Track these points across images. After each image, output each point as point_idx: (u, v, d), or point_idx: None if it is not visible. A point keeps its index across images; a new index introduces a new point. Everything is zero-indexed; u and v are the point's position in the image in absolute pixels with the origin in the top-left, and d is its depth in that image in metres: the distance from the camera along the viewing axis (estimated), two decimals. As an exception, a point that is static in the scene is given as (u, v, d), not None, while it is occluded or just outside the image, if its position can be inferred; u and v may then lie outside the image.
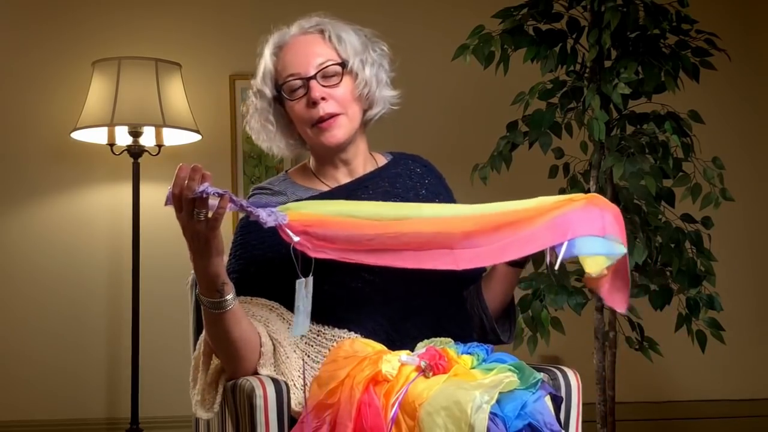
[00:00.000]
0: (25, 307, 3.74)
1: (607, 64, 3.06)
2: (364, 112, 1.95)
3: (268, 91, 1.93)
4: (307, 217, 1.67)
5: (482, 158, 3.09)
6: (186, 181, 1.56)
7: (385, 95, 1.97)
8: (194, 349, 2.16)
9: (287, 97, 1.90)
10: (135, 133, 3.55)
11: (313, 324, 1.81)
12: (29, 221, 3.78)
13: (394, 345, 1.78)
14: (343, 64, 1.90)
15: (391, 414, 1.59)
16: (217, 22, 3.93)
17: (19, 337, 3.73)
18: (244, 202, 1.62)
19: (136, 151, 3.57)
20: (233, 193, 3.94)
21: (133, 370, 3.54)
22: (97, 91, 3.51)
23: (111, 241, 3.79)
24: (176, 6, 3.93)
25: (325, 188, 1.94)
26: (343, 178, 1.96)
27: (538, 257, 1.78)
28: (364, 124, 1.98)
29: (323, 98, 1.86)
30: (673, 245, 2.93)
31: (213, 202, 1.58)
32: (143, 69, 3.51)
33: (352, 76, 1.91)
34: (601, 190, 3.02)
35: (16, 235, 3.77)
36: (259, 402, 1.69)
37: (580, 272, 1.68)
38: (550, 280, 2.90)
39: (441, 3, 4.01)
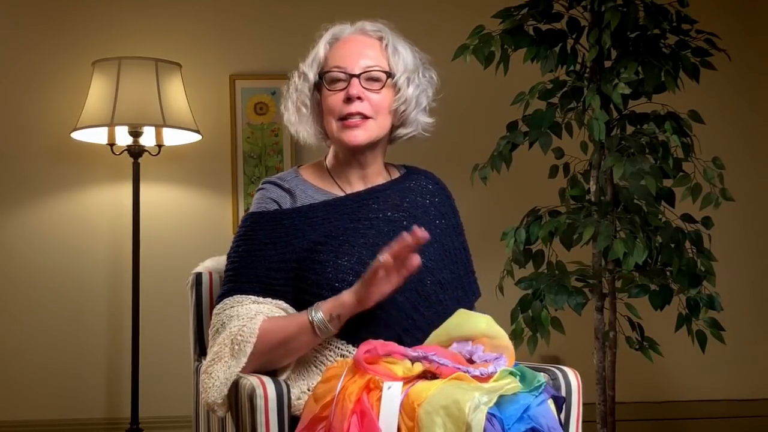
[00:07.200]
0: (25, 307, 3.74)
1: (607, 64, 3.05)
2: (395, 127, 2.00)
3: (312, 76, 1.97)
4: None
5: (482, 158, 3.08)
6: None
7: (420, 119, 2.02)
8: (195, 349, 2.15)
9: (326, 86, 1.94)
10: (135, 133, 3.54)
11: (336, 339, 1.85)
12: (29, 221, 3.78)
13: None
14: (390, 75, 1.94)
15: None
16: (217, 22, 3.93)
17: (19, 337, 3.73)
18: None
19: (136, 151, 3.57)
20: (235, 191, 3.89)
21: (133, 370, 3.53)
22: (97, 91, 3.51)
23: (111, 241, 3.78)
24: (176, 6, 3.92)
25: (338, 192, 1.97)
26: (356, 181, 1.99)
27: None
28: (392, 139, 2.03)
29: (359, 98, 1.91)
30: (673, 245, 2.92)
31: None
32: (143, 69, 3.51)
33: (394, 89, 1.96)
34: (601, 190, 3.02)
35: (16, 235, 3.77)
36: (260, 402, 1.69)
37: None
38: (550, 280, 2.89)
39: (441, 3, 4.00)
